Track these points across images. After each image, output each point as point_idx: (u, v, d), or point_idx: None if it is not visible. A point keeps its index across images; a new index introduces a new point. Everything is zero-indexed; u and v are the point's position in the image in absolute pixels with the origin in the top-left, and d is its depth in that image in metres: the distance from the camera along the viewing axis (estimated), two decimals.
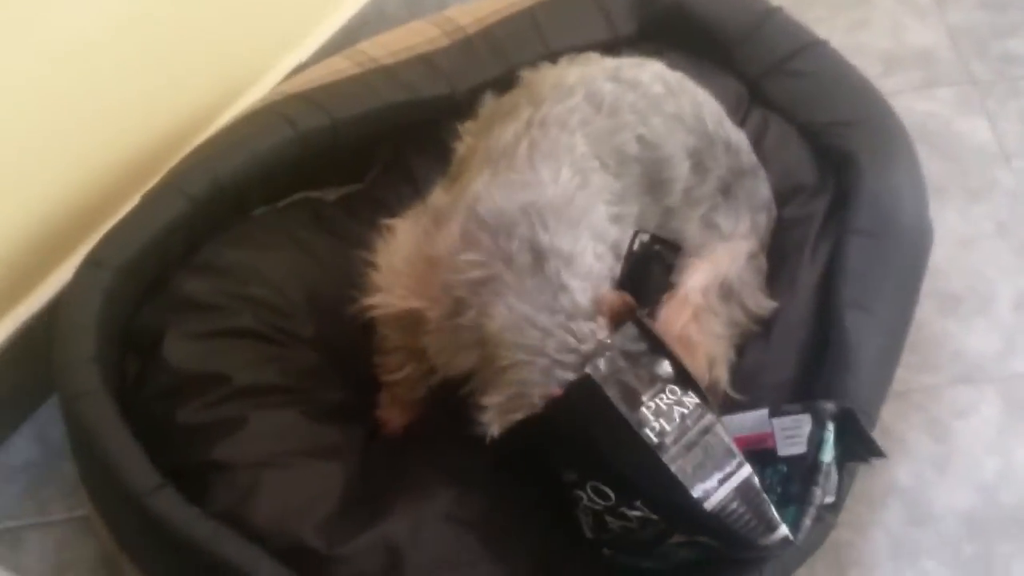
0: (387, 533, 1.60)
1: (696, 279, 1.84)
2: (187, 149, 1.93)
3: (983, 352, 2.15)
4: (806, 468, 1.59)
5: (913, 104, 2.46)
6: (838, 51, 2.16)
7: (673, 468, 1.41)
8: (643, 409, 1.43)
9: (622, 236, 1.64)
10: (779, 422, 1.63)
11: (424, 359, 1.69)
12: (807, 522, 1.54)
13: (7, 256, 1.85)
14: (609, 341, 1.47)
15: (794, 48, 2.14)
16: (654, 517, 1.48)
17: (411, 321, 1.64)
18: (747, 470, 1.44)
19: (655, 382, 1.45)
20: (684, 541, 1.51)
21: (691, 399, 1.45)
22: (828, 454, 1.59)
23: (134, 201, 1.83)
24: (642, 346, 1.47)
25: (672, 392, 1.45)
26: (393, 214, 1.74)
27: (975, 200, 2.34)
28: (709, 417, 1.45)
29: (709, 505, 1.42)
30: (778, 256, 1.95)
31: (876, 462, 1.67)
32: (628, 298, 1.51)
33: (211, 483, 1.64)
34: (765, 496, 1.45)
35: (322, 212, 1.98)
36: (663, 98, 1.79)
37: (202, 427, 1.68)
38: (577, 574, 1.66)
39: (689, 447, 1.42)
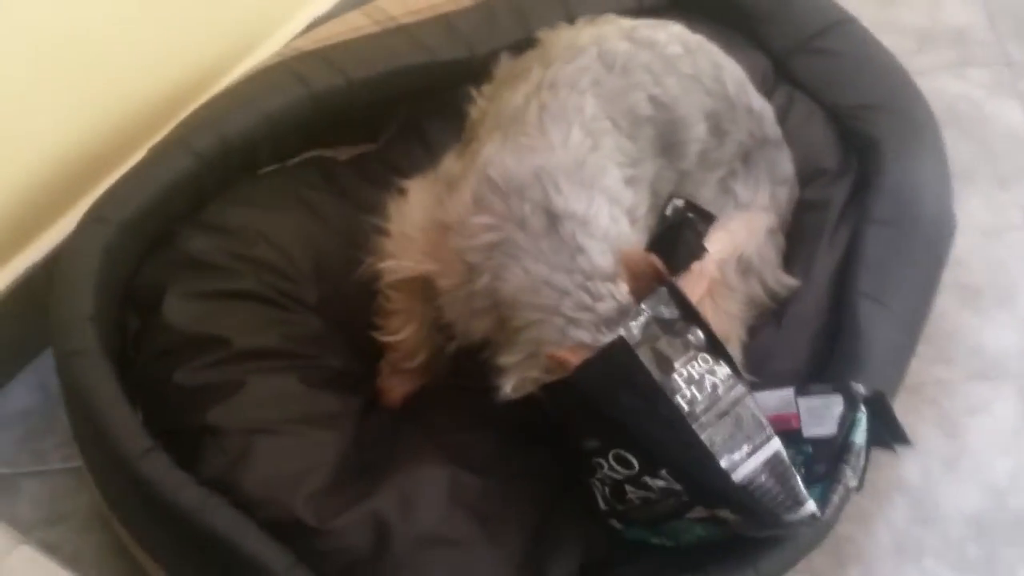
0: (377, 508, 1.57)
1: (714, 247, 1.77)
2: (197, 102, 1.91)
3: (1002, 348, 2.11)
4: (836, 448, 1.57)
5: (944, 84, 2.41)
6: (868, 30, 2.11)
7: (703, 436, 1.40)
8: (675, 376, 1.42)
9: (637, 199, 1.63)
10: (805, 402, 1.61)
11: (425, 323, 1.69)
12: (835, 499, 1.52)
13: (10, 204, 1.83)
14: (632, 302, 1.46)
15: (823, 25, 2.09)
16: (678, 487, 1.46)
17: (422, 287, 1.63)
18: (776, 443, 1.43)
19: (688, 349, 1.44)
20: (703, 517, 1.50)
21: (723, 369, 1.44)
22: (861, 436, 1.57)
23: (140, 154, 1.80)
24: (675, 312, 1.45)
25: (704, 360, 1.44)
26: (405, 177, 1.72)
27: (1003, 187, 2.29)
28: (740, 388, 1.44)
29: (737, 477, 1.41)
30: (795, 239, 1.91)
31: (883, 455, 1.65)
32: (652, 258, 1.49)
33: (204, 447, 1.61)
34: (794, 471, 1.44)
35: (332, 172, 1.94)
36: (679, 58, 1.76)
37: (198, 389, 1.66)
38: (573, 560, 1.63)
39: (719, 417, 1.42)
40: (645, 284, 1.48)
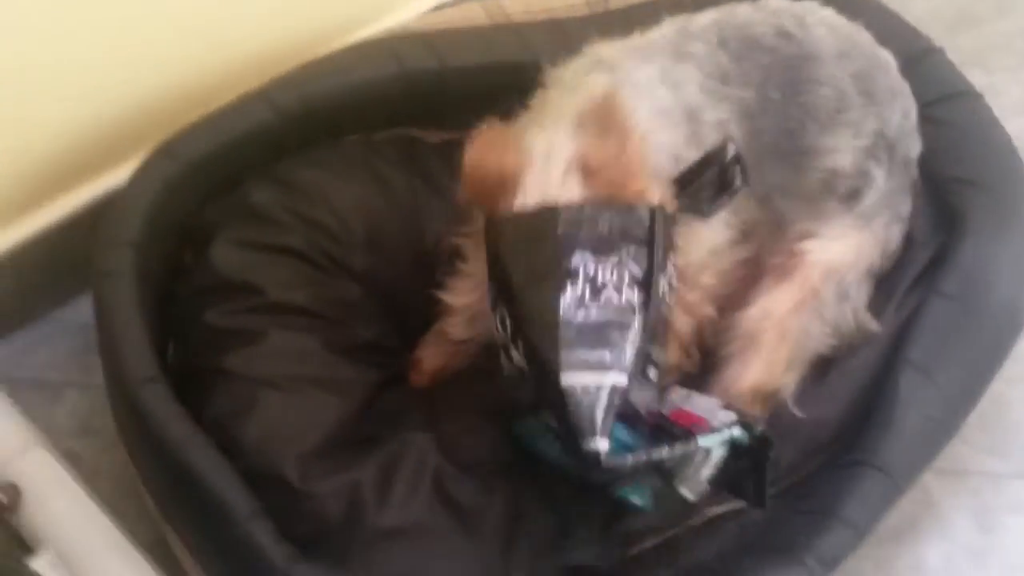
0: (357, 480, 1.60)
1: (832, 254, 1.73)
2: None
3: None
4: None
5: None
6: (991, 108, 2.03)
7: (561, 331, 1.36)
8: (585, 267, 1.38)
9: (706, 104, 1.58)
10: (725, 414, 1.51)
11: None
12: (629, 460, 1.40)
13: (99, 126, 1.90)
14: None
15: (942, 94, 2.01)
16: (526, 369, 1.42)
17: None
18: (622, 380, 1.36)
19: (615, 255, 1.38)
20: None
21: (632, 295, 1.38)
22: (713, 441, 1.46)
23: None
24: (639, 232, 1.40)
25: (621, 276, 1.39)
26: None
27: None
28: (635, 322, 1.38)
29: (564, 381, 1.36)
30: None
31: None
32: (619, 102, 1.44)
33: (215, 388, 1.67)
34: (611, 410, 1.36)
35: (415, 152, 1.96)
36: (841, 25, 1.71)
37: (223, 331, 1.71)
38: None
39: (590, 329, 1.37)
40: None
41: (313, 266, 1.79)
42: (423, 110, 1.98)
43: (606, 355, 1.36)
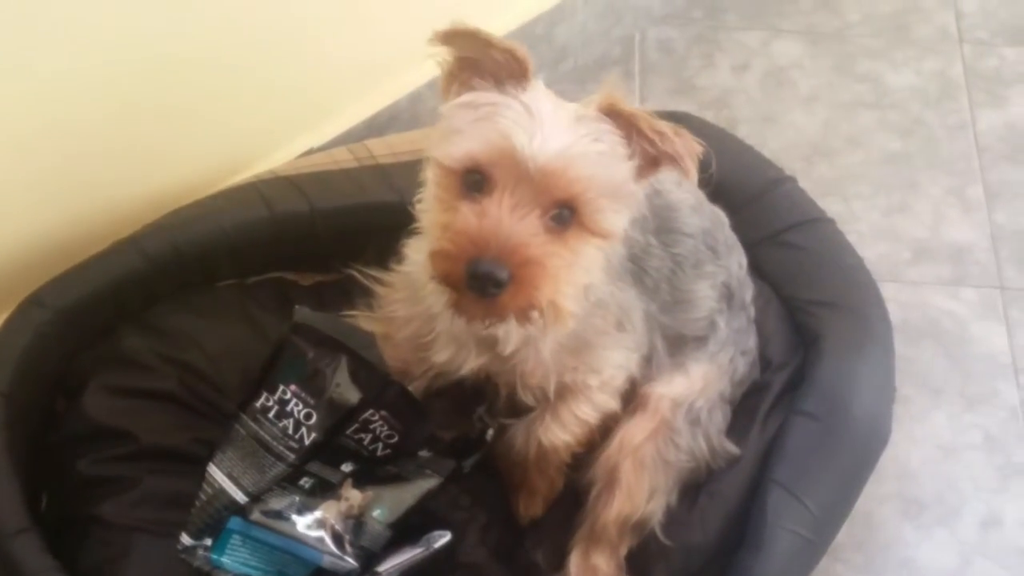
0: None
1: (678, 387, 1.81)
2: None
3: (934, 566, 2.07)
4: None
5: (933, 299, 2.41)
6: (842, 232, 2.12)
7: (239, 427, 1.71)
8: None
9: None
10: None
11: None
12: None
13: None
14: None
15: (795, 221, 2.11)
16: None
17: None
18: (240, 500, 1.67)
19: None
20: None
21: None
22: None
23: None
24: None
25: (307, 405, 1.71)
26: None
27: (970, 408, 2.27)
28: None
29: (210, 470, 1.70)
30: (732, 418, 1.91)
31: None
32: None
33: (89, 537, 1.66)
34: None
35: (290, 295, 1.98)
36: (679, 182, 1.77)
37: (97, 480, 1.71)
38: None
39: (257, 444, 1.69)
40: None
41: (187, 409, 1.79)
42: (295, 253, 2.01)
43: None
